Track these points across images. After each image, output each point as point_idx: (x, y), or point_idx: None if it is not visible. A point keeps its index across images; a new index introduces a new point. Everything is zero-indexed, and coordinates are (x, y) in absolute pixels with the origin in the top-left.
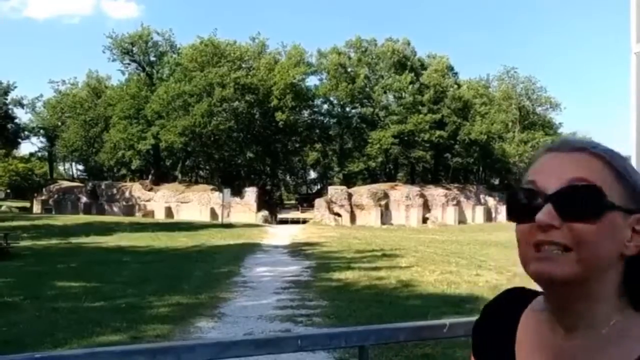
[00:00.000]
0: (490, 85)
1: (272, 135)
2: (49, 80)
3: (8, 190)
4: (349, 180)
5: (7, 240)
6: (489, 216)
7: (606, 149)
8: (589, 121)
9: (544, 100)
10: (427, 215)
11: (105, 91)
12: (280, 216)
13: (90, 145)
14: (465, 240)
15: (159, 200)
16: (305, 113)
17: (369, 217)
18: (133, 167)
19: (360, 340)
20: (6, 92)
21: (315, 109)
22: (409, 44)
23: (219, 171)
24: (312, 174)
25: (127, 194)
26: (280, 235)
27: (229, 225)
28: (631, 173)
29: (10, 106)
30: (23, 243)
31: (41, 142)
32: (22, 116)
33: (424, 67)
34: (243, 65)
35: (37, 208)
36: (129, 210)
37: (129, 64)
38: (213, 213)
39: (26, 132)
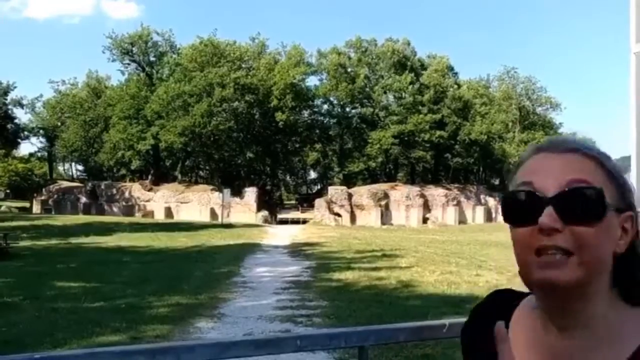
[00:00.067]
0: (490, 86)
1: (272, 136)
2: (49, 81)
3: (8, 191)
4: (349, 181)
5: (6, 241)
6: (489, 216)
7: (597, 150)
8: (589, 121)
9: (544, 100)
10: (427, 215)
11: (105, 91)
12: (280, 216)
13: (90, 145)
14: (466, 241)
15: (158, 201)
16: (305, 113)
17: (369, 217)
18: (133, 168)
19: (360, 341)
20: (6, 92)
21: (315, 109)
22: (409, 44)
23: (219, 171)
24: (312, 174)
25: (126, 194)
26: (280, 235)
27: (229, 226)
28: (620, 173)
29: (10, 106)
30: (23, 243)
31: (41, 142)
32: (22, 116)
33: (424, 67)
34: (243, 66)
35: (36, 208)
36: (129, 210)
37: (128, 64)
38: (213, 213)
39: (26, 132)
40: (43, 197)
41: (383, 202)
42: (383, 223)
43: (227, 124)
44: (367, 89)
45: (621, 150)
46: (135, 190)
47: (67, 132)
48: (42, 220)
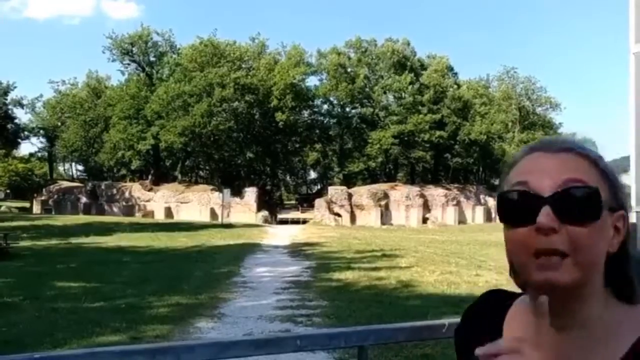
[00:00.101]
0: (490, 86)
1: (272, 136)
2: (49, 81)
3: (8, 191)
4: (349, 181)
5: (6, 241)
6: (488, 216)
7: (590, 149)
8: (588, 121)
9: (544, 101)
10: (427, 215)
11: (105, 91)
12: (280, 216)
13: (90, 145)
14: (465, 241)
15: (158, 201)
16: (305, 113)
17: (369, 217)
18: (133, 168)
19: (360, 341)
20: (6, 92)
21: (315, 109)
22: (408, 44)
23: (219, 171)
24: (312, 174)
25: (126, 194)
26: (280, 235)
27: (229, 226)
28: (612, 172)
29: (10, 106)
30: (23, 243)
31: (41, 142)
32: (22, 116)
33: (423, 67)
34: (243, 66)
35: (36, 208)
36: (129, 210)
37: (128, 64)
38: (213, 213)
39: (26, 133)
40: (43, 197)
41: (383, 202)
42: (383, 223)
43: (227, 124)
44: (367, 89)
45: (621, 151)
46: (135, 190)
47: (67, 132)
48: (42, 221)
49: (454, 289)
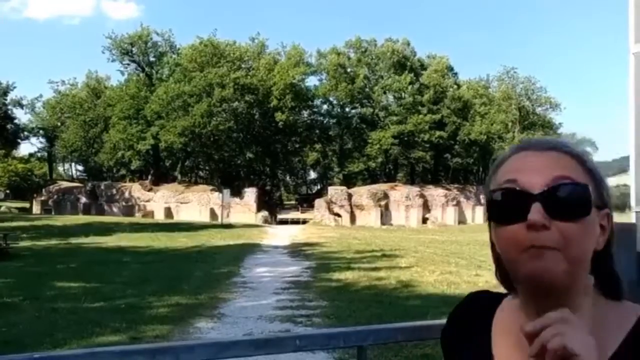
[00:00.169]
0: (490, 86)
1: (271, 136)
2: (49, 81)
3: (7, 191)
4: (349, 181)
5: (6, 241)
6: None
7: (577, 148)
8: (588, 121)
9: (543, 101)
10: (427, 215)
11: (104, 91)
12: (280, 216)
13: (89, 145)
14: (465, 241)
15: (158, 201)
16: (305, 113)
17: (369, 217)
18: (133, 168)
19: (359, 341)
20: (5, 93)
21: (315, 109)
22: (408, 44)
23: (219, 171)
24: (312, 175)
25: (126, 195)
26: (280, 235)
27: (229, 226)
28: (598, 171)
29: (9, 106)
30: (22, 243)
31: (40, 142)
32: (22, 116)
33: (423, 67)
34: (243, 66)
35: (36, 208)
36: (129, 210)
37: (128, 64)
38: (213, 213)
39: (25, 133)
40: (43, 198)
41: (383, 203)
42: (383, 223)
43: (226, 124)
44: (367, 89)
45: (620, 150)
46: (135, 190)
47: (67, 132)
48: (42, 221)
49: (453, 289)
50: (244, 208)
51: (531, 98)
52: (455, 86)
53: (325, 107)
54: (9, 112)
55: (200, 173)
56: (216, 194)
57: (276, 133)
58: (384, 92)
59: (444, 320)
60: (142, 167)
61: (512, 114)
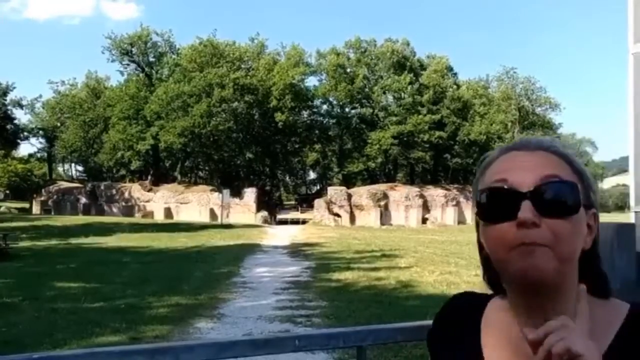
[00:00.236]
0: (489, 86)
1: (271, 136)
2: (48, 81)
3: (7, 191)
4: (349, 181)
5: (6, 241)
6: None
7: (565, 148)
8: (588, 121)
9: (543, 101)
10: (427, 215)
11: (104, 92)
12: (279, 217)
13: (89, 146)
14: (465, 241)
15: (158, 201)
16: (305, 113)
17: (369, 217)
18: (132, 168)
19: (358, 341)
20: (5, 93)
21: (315, 110)
22: (408, 44)
23: (219, 172)
24: (312, 175)
25: (126, 195)
26: (279, 235)
27: (229, 226)
28: (586, 172)
29: (9, 107)
30: (22, 244)
31: (40, 142)
32: (22, 117)
33: (423, 67)
34: (242, 66)
35: (36, 209)
36: (129, 211)
37: (128, 64)
38: (212, 214)
39: (25, 133)
40: (43, 198)
41: (382, 203)
42: (382, 223)
43: (226, 124)
44: (367, 90)
45: (620, 150)
46: (135, 190)
47: (66, 132)
48: (42, 221)
49: (453, 289)
50: (244, 208)
51: (531, 98)
52: (455, 86)
53: (324, 107)
54: (9, 112)
55: (200, 173)
56: (216, 194)
57: (276, 133)
58: (384, 93)
59: None
60: (141, 168)
61: (511, 114)
